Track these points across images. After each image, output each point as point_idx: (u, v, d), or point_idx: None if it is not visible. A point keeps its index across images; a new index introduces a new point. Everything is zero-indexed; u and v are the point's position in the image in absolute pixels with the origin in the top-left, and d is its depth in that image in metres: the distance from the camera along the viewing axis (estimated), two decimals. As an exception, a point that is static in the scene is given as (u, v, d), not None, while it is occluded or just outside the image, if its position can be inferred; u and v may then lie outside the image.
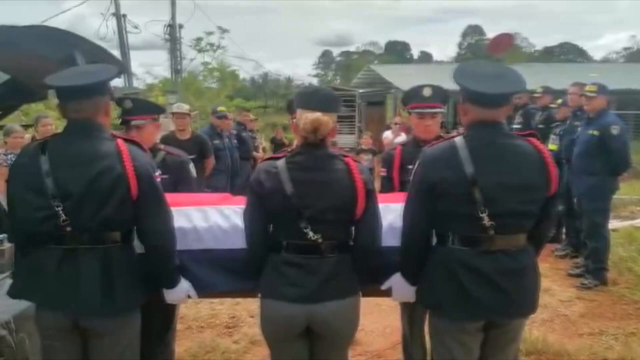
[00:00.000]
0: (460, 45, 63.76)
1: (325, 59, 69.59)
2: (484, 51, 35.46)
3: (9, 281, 2.42)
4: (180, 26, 21.28)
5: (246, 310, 4.57)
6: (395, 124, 10.49)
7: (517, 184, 2.11)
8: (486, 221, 2.10)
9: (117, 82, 17.14)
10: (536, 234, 2.25)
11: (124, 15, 18.31)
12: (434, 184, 2.15)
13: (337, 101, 2.39)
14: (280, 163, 2.26)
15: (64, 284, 2.12)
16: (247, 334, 4.18)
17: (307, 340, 2.33)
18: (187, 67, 24.72)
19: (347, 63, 58.32)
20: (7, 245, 2.80)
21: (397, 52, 61.30)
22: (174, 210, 2.36)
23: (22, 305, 2.36)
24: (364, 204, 2.24)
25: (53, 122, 5.98)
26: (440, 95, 3.11)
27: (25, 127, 6.37)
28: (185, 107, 6.41)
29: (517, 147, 2.15)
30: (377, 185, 2.69)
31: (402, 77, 19.04)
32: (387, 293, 2.45)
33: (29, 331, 2.53)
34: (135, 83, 21.56)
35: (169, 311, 3.00)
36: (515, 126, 7.91)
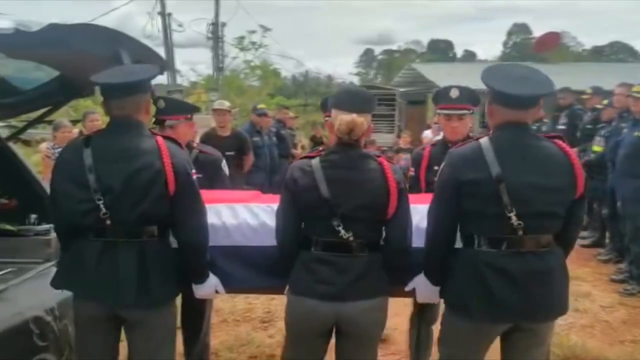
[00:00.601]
0: (505, 44, 62.49)
1: (367, 58, 69.30)
2: (530, 50, 34.65)
3: (54, 269, 2.53)
4: (223, 24, 21.58)
5: (282, 305, 4.52)
6: (435, 123, 10.37)
7: (544, 185, 2.09)
8: (514, 221, 2.08)
9: (161, 80, 17.55)
10: (563, 236, 2.22)
11: (169, 14, 18.72)
12: (460, 185, 2.15)
13: (372, 101, 2.40)
14: (315, 162, 2.29)
15: (102, 276, 2.19)
16: (281, 329, 4.20)
17: (328, 339, 2.37)
18: (230, 65, 25.08)
19: (388, 62, 57.91)
20: (53, 235, 2.92)
21: (440, 50, 60.51)
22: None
23: (67, 292, 2.46)
24: (396, 204, 2.26)
25: (100, 117, 6.17)
26: (469, 96, 3.08)
27: (74, 122, 6.58)
28: (225, 104, 6.52)
29: (543, 148, 2.14)
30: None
31: (444, 76, 18.77)
32: (412, 294, 2.46)
33: (72, 318, 2.63)
34: (179, 80, 22.03)
35: (203, 305, 3.06)
36: (559, 127, 7.73)
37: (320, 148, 2.44)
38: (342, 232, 2.23)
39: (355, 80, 56.66)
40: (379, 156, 2.36)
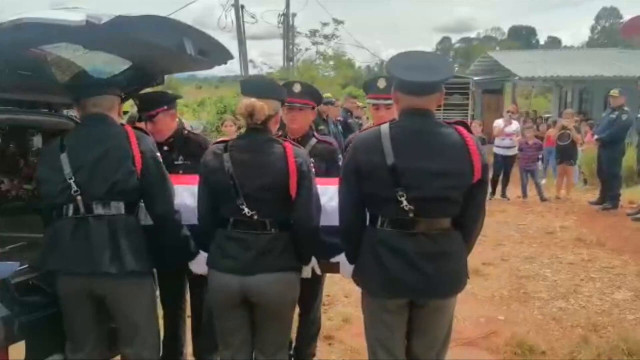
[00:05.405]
0: (593, 29, 59.38)
1: (444, 46, 67.87)
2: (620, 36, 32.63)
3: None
4: (294, 15, 21.83)
5: (342, 290, 4.71)
6: (508, 112, 10.11)
7: (438, 170, 2.17)
8: (405, 205, 2.17)
9: (235, 71, 18.05)
10: (463, 219, 2.30)
11: (242, 7, 19.12)
12: (359, 167, 2.25)
13: (275, 89, 2.61)
14: (225, 146, 2.47)
15: (77, 249, 2.37)
16: (341, 313, 4.33)
17: (248, 311, 2.49)
18: (303, 56, 25.36)
19: (466, 50, 56.53)
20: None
21: (522, 37, 58.33)
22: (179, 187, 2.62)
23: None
24: (296, 185, 2.42)
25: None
26: None
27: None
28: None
29: (441, 135, 2.21)
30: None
31: (522, 65, 18.08)
32: (338, 269, 2.58)
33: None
34: (254, 71, 22.53)
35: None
36: (641, 116, 7.36)
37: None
38: (247, 210, 2.39)
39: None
40: (285, 141, 2.50)
